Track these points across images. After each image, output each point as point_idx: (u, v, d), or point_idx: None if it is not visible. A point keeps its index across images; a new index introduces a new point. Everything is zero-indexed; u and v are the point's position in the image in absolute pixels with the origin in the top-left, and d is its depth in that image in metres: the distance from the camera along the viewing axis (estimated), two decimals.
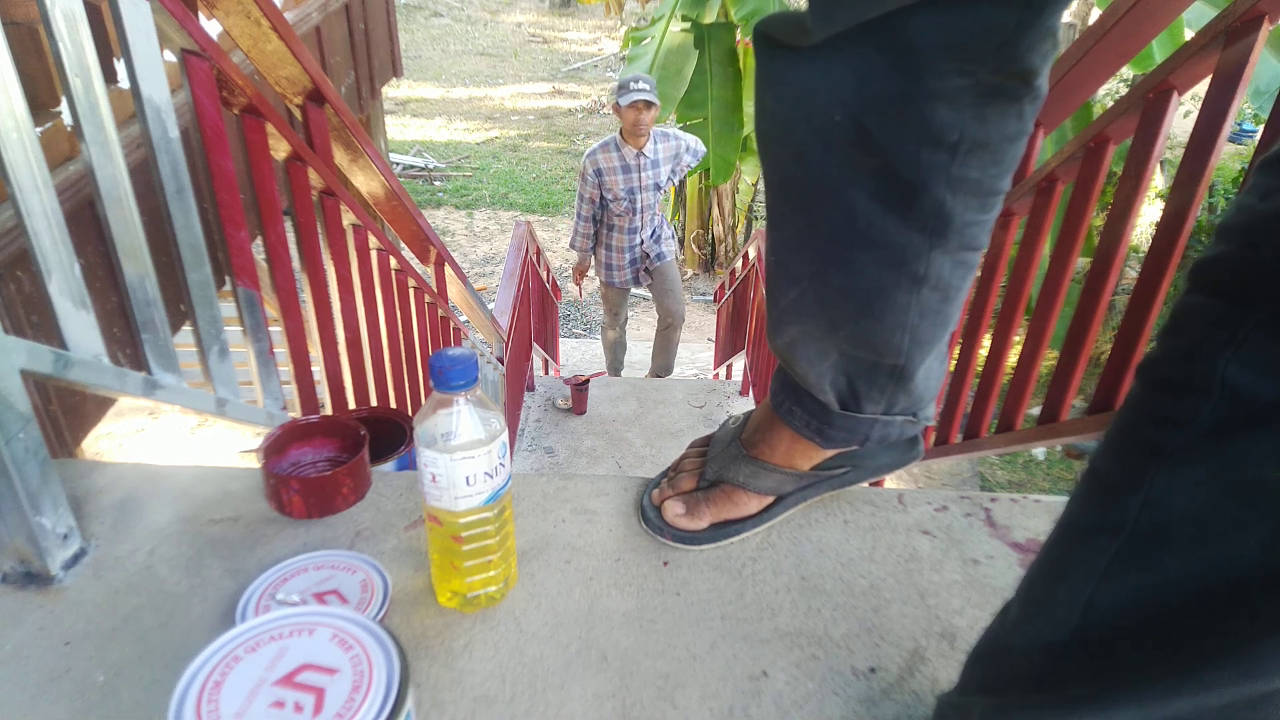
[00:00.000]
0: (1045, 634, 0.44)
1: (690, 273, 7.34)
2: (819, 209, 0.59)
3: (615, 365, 4.41)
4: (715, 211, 7.05)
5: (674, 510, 0.74)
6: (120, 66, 1.32)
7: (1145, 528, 0.39)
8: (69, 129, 1.51)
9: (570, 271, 7.39)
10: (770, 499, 0.75)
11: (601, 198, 3.58)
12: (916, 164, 0.53)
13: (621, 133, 3.41)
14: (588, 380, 3.74)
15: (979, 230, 0.58)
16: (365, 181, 1.61)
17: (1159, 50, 3.00)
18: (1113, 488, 0.41)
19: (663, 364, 4.34)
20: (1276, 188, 0.36)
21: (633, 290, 4.12)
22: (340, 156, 1.48)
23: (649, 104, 3.26)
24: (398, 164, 8.65)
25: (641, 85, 3.26)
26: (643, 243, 3.72)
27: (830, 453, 0.73)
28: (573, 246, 3.81)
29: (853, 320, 0.62)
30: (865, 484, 0.78)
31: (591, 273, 4.01)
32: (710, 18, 4.57)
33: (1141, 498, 0.39)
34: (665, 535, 0.74)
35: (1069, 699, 0.42)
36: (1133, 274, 4.76)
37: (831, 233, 0.59)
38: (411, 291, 1.92)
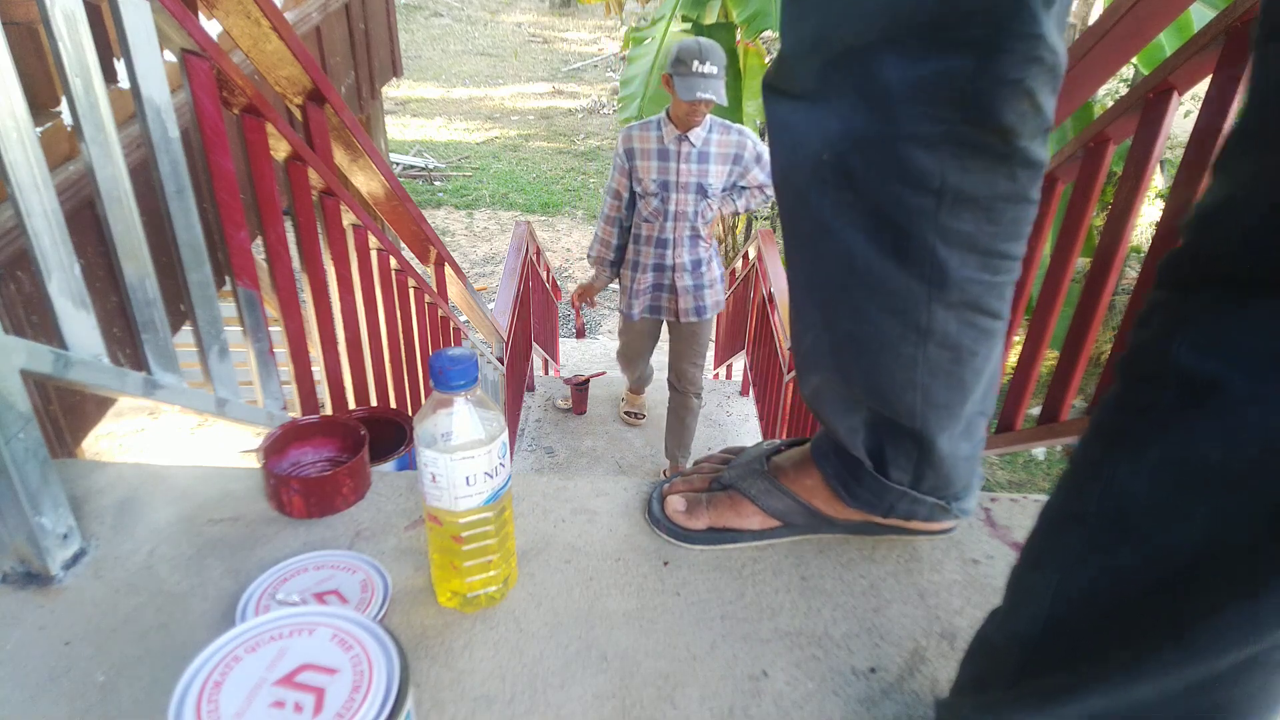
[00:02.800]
0: (1022, 627, 0.45)
1: None
2: (821, 250, 0.61)
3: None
4: None
5: (675, 505, 0.74)
6: (120, 66, 1.32)
7: (1108, 515, 0.40)
8: (69, 129, 1.52)
9: (574, 277, 7.42)
10: (775, 523, 0.73)
11: (631, 193, 2.67)
12: (901, 206, 0.55)
13: (668, 112, 2.54)
14: (588, 380, 3.74)
15: (984, 291, 0.59)
16: (365, 181, 1.61)
17: (1168, 44, 2.99)
18: (1081, 477, 0.43)
19: (677, 444, 3.13)
20: (1216, 184, 0.39)
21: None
22: (340, 156, 1.48)
23: (710, 103, 2.43)
24: (398, 164, 8.64)
25: (709, 69, 2.36)
26: (675, 268, 2.71)
27: (854, 514, 0.72)
28: (589, 256, 2.82)
29: (863, 372, 0.64)
30: None
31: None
32: (711, 19, 4.57)
33: (1103, 486, 0.40)
34: (660, 528, 0.74)
35: (1043, 691, 0.43)
36: (1133, 274, 4.77)
37: (834, 275, 0.61)
38: (411, 291, 1.92)
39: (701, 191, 2.60)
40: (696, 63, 2.36)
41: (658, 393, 3.94)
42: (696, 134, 2.53)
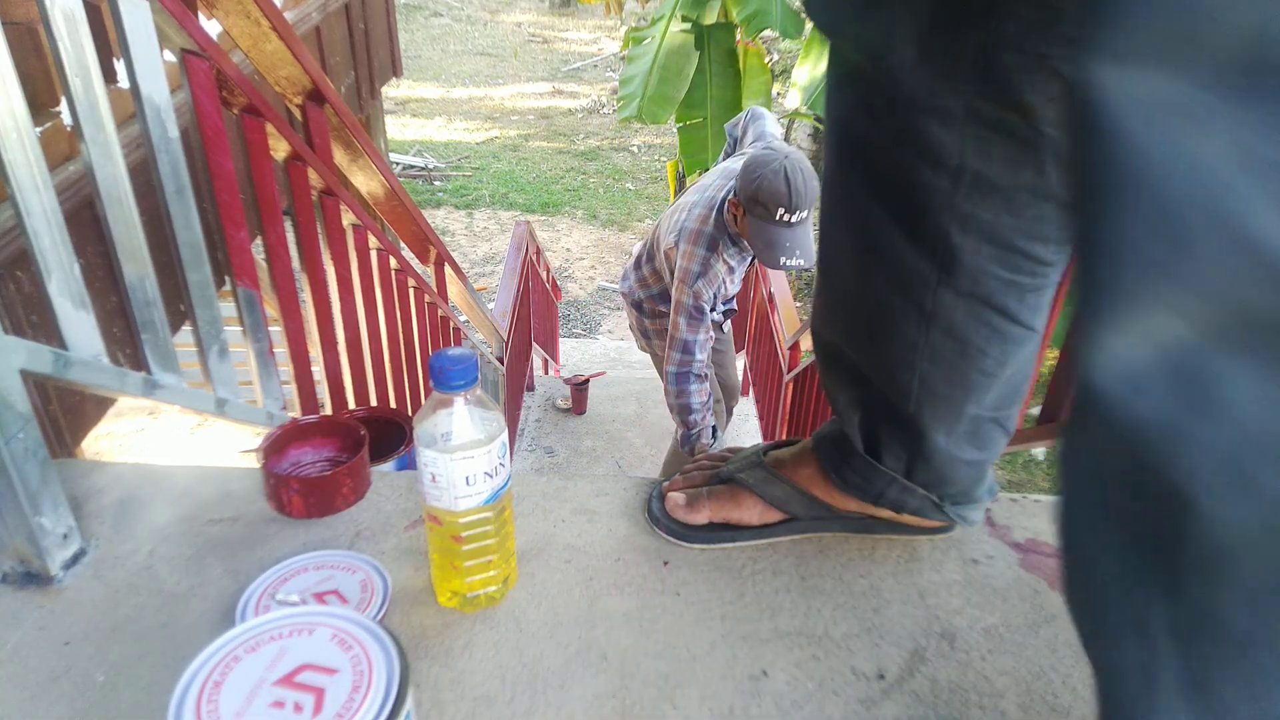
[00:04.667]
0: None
1: None
2: (845, 211, 0.63)
3: None
4: None
5: (675, 500, 0.74)
6: (120, 66, 1.32)
7: None
8: (69, 129, 1.51)
9: (574, 276, 7.39)
10: (775, 514, 0.73)
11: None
12: (915, 181, 0.54)
13: (736, 219, 1.95)
14: (588, 380, 3.74)
15: (1000, 288, 0.57)
16: (365, 181, 1.61)
17: None
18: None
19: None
20: None
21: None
22: (340, 156, 1.48)
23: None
24: (398, 164, 8.64)
25: (799, 217, 1.79)
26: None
27: (851, 503, 0.72)
28: (698, 425, 2.23)
29: (865, 335, 0.64)
30: None
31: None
32: (711, 18, 4.57)
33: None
34: (659, 527, 0.74)
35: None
36: None
37: (851, 236, 0.62)
38: (411, 291, 1.92)
39: None
40: (783, 210, 1.75)
41: (656, 392, 3.93)
42: None
